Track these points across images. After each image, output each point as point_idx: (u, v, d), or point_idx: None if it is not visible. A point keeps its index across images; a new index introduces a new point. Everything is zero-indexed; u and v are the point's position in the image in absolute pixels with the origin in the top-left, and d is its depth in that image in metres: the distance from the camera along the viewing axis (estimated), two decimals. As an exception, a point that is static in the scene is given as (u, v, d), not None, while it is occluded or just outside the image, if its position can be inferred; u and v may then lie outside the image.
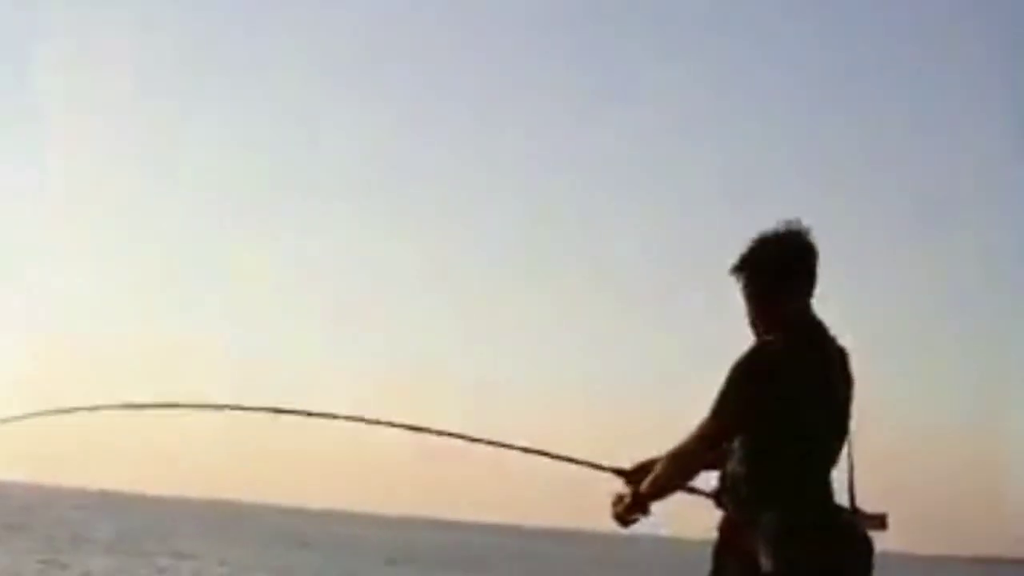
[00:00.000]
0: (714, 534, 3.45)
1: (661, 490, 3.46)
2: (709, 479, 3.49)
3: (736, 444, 3.36)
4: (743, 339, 3.42)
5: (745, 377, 3.30)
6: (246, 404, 4.03)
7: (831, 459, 3.37)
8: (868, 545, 3.32)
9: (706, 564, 3.45)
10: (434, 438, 3.82)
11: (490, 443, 3.81)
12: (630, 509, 3.49)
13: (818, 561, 3.25)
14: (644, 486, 3.46)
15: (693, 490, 3.51)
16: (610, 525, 3.60)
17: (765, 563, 3.25)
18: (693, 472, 3.45)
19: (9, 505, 43.50)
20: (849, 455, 3.36)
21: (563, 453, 3.73)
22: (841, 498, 3.35)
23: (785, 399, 3.28)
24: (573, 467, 3.71)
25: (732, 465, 3.37)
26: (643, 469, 3.57)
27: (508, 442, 3.77)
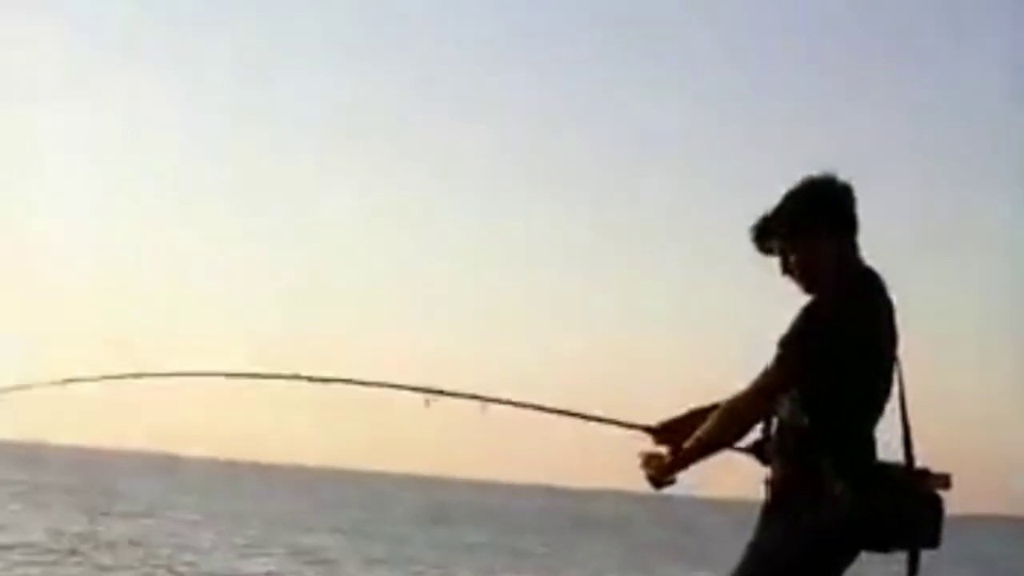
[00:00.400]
0: (743, 493, 3.33)
1: (710, 447, 3.30)
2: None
3: (786, 397, 3.25)
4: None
5: (804, 331, 3.20)
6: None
7: (879, 415, 3.26)
8: (937, 502, 3.22)
9: (750, 522, 3.33)
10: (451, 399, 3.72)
11: (510, 403, 3.70)
12: (669, 469, 3.33)
13: (885, 511, 3.15)
14: (690, 443, 3.29)
15: (736, 447, 3.36)
16: (643, 486, 3.44)
17: (818, 517, 3.14)
18: (751, 426, 3.31)
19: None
20: (903, 412, 3.24)
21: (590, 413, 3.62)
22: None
23: (840, 353, 3.17)
24: (601, 427, 3.59)
25: (781, 417, 3.27)
26: (671, 427, 3.45)
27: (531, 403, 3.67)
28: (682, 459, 3.31)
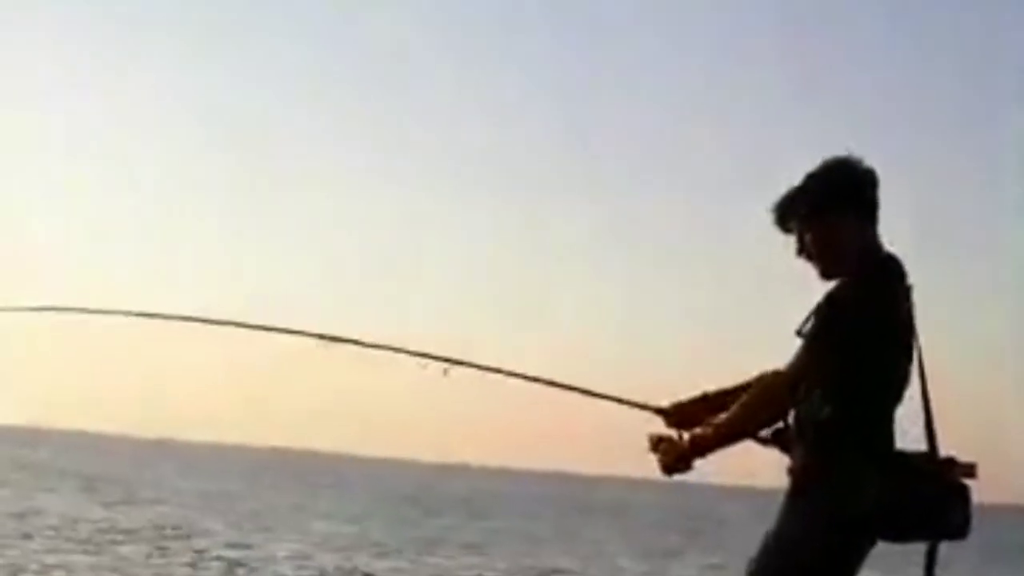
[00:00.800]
0: (762, 480, 3.23)
1: (733, 436, 3.16)
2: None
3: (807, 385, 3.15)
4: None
5: (829, 318, 3.10)
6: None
7: (898, 400, 3.17)
8: (964, 491, 3.12)
9: (770, 509, 3.24)
10: (468, 372, 3.61)
11: (524, 377, 3.60)
12: (687, 456, 3.18)
13: (911, 499, 3.06)
14: (709, 430, 3.16)
15: (756, 437, 3.23)
16: (653, 471, 3.31)
17: (842, 505, 3.06)
18: (779, 415, 3.18)
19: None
20: (925, 399, 3.14)
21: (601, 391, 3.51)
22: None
23: (861, 337, 3.08)
24: (607, 410, 3.49)
25: (803, 406, 3.16)
26: (684, 409, 3.36)
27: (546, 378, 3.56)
28: (701, 447, 3.17)
